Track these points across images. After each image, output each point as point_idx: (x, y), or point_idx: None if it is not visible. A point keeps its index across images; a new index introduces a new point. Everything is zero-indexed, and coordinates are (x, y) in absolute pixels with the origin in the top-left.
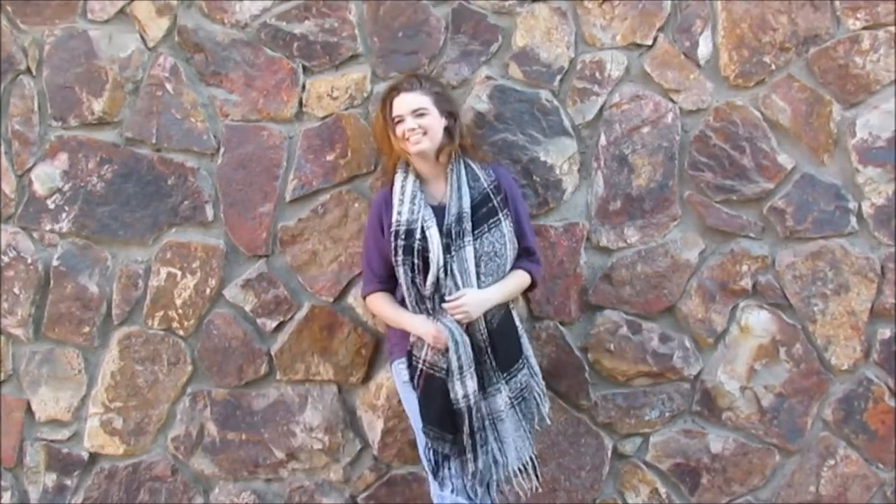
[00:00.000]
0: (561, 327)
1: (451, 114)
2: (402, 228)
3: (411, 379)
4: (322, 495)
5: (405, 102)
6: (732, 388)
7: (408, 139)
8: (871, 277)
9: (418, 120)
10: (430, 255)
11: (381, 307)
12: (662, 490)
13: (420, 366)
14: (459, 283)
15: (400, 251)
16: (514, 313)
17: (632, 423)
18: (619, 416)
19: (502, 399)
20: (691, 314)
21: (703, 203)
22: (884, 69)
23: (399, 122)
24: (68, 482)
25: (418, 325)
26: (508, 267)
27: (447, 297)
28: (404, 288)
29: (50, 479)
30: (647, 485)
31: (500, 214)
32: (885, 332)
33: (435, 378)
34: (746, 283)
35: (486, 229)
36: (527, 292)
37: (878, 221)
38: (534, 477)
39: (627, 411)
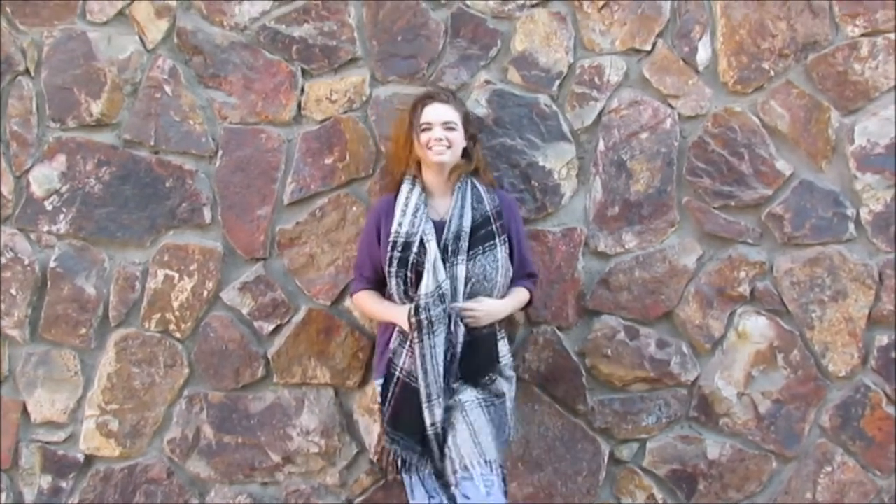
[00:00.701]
0: (558, 332)
1: (473, 137)
2: (401, 240)
3: (385, 389)
4: (318, 499)
5: (438, 112)
6: (730, 394)
7: (431, 148)
8: (868, 284)
9: (446, 133)
10: (427, 265)
11: (367, 303)
12: (659, 496)
13: (397, 374)
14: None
15: (395, 262)
16: (501, 335)
17: (629, 428)
18: (616, 422)
19: (468, 396)
20: (689, 320)
21: (702, 209)
22: (882, 76)
23: (426, 129)
24: (64, 484)
25: (400, 314)
26: (497, 292)
27: (464, 304)
28: (396, 299)
29: (45, 480)
30: (643, 490)
31: (497, 240)
32: (882, 339)
33: (410, 387)
34: (744, 289)
35: (481, 251)
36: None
37: (876, 228)
38: (494, 479)
39: (624, 417)
